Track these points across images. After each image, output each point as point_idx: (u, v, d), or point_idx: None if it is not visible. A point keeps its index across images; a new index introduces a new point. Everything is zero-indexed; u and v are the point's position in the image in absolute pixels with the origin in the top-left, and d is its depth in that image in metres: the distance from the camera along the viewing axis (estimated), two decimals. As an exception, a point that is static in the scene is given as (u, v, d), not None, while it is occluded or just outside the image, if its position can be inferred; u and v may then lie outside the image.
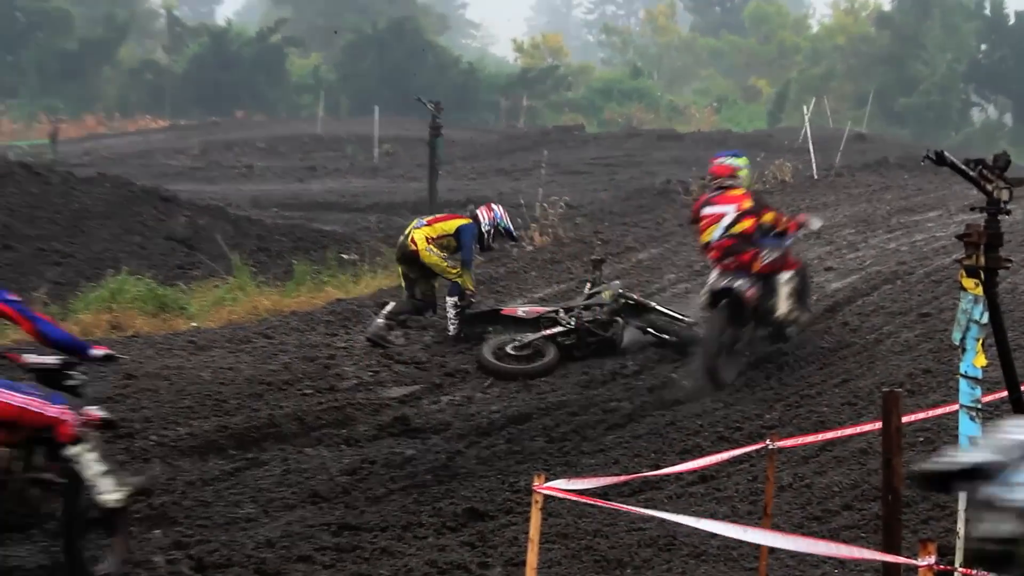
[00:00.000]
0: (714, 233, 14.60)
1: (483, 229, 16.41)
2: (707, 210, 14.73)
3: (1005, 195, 6.94)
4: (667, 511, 8.95)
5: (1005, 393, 7.45)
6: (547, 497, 7.68)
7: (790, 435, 11.05)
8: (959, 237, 7.03)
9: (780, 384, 13.88)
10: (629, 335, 15.77)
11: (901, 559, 6.45)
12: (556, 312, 15.83)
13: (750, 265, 14.40)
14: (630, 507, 8.76)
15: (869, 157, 31.46)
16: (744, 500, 10.53)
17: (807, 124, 30.36)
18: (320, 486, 11.27)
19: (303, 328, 17.13)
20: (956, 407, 7.11)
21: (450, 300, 16.16)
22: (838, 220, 22.14)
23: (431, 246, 16.08)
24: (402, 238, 16.43)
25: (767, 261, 14.49)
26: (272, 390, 13.89)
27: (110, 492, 8.47)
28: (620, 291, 15.95)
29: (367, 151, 43.90)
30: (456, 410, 13.67)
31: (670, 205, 24.44)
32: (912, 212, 22.69)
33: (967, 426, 6.96)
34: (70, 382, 8.63)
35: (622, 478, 9.97)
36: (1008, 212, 6.96)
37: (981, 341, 6.92)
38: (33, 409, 8.32)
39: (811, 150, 27.79)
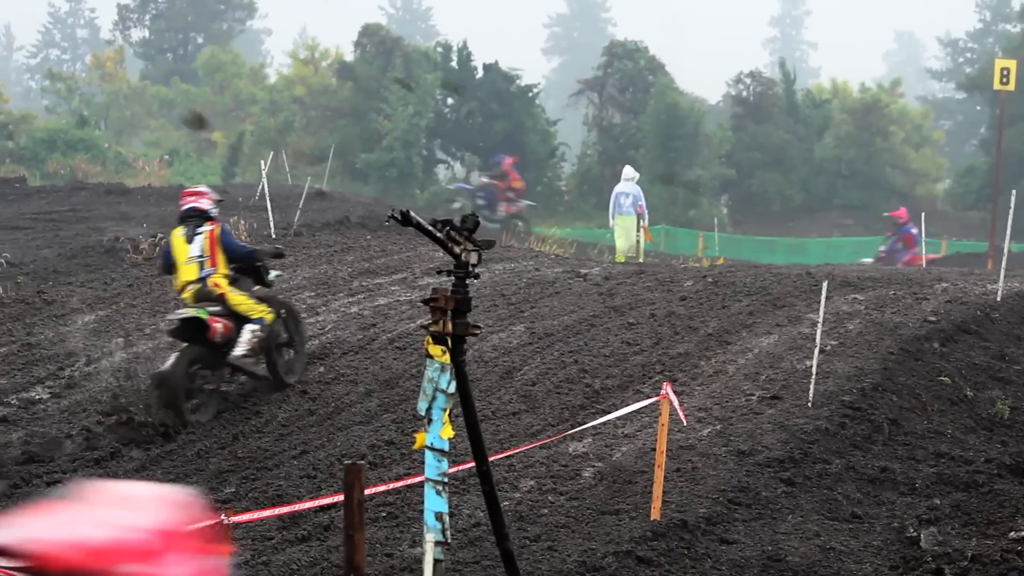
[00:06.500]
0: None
1: None
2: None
3: (474, 258, 7.18)
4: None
5: (472, 465, 7.70)
6: None
7: (247, 509, 11.12)
8: (425, 302, 7.21)
9: (235, 456, 13.87)
10: None
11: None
12: None
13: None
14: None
15: (330, 216, 31.92)
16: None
17: (264, 179, 30.47)
18: None
19: None
20: (421, 479, 7.28)
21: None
22: (297, 282, 22.38)
23: None
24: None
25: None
26: None
27: None
28: None
29: None
30: None
31: (118, 264, 24.05)
32: (375, 275, 23.17)
33: (433, 500, 7.14)
34: None
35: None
36: (477, 276, 7.21)
37: (448, 411, 7.12)
38: None
39: (268, 207, 27.97)
